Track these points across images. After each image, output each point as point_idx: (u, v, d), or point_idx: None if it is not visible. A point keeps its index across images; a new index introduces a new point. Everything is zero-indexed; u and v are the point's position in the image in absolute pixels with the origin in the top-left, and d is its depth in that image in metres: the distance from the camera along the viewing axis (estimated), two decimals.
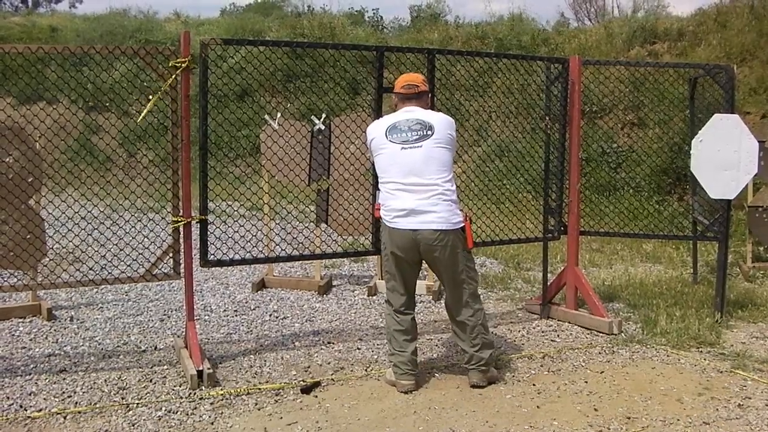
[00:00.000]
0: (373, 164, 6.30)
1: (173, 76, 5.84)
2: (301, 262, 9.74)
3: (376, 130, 5.71)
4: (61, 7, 40.45)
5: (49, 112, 6.36)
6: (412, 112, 5.66)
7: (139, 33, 21.37)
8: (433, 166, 5.51)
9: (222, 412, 5.15)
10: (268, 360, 6.27)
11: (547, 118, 7.38)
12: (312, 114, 8.38)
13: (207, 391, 5.51)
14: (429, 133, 5.54)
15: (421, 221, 5.44)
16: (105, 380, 5.75)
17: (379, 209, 5.71)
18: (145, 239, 6.72)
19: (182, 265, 6.14)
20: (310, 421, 5.02)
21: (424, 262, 5.75)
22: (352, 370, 6.03)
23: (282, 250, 7.34)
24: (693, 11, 17.83)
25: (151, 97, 5.91)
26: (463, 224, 5.56)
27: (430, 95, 6.04)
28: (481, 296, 6.05)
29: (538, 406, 5.27)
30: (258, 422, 5.00)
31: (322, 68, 14.71)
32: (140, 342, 6.79)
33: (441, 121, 5.63)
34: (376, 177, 6.63)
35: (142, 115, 6.01)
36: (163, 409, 5.19)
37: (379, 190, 5.77)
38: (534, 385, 5.70)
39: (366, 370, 6.05)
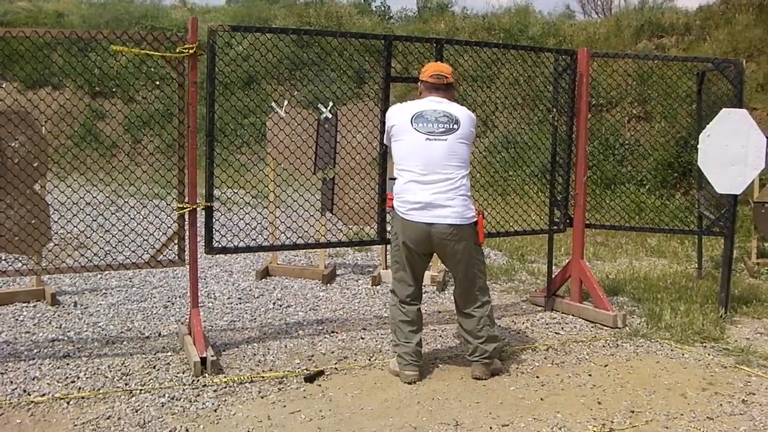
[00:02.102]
0: (381, 152, 6.29)
1: (181, 63, 5.83)
2: (305, 250, 9.73)
3: (400, 115, 5.62)
4: None
5: (55, 97, 6.38)
6: (440, 104, 5.60)
7: (145, 19, 21.38)
8: (454, 161, 5.48)
9: (225, 400, 5.14)
10: (271, 348, 6.27)
11: (555, 110, 7.36)
12: (318, 102, 8.36)
13: (210, 378, 5.51)
14: (455, 127, 5.50)
15: (437, 215, 5.42)
16: (108, 366, 5.75)
17: (392, 198, 5.67)
18: (150, 225, 6.72)
19: (187, 252, 6.13)
20: (314, 409, 5.02)
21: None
22: (355, 360, 6.03)
23: (287, 238, 7.34)
24: (699, 5, 17.80)
25: (158, 83, 5.90)
26: (475, 219, 5.55)
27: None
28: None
29: (541, 399, 5.26)
30: (261, 410, 5.00)
31: (329, 56, 14.69)
32: (144, 328, 6.79)
33: (466, 117, 5.59)
34: (382, 166, 6.62)
35: (120, 49, 5.99)
36: (167, 395, 5.19)
37: (392, 178, 5.72)
38: (538, 377, 5.69)
39: (370, 359, 6.04)
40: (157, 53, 5.90)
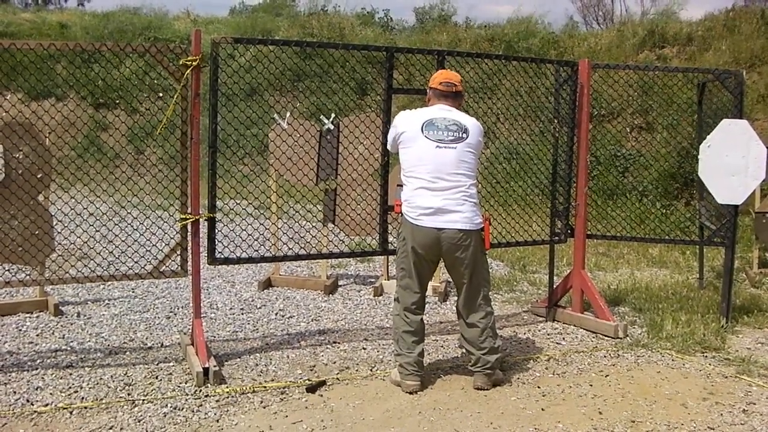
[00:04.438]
0: (382, 163, 6.32)
1: (185, 76, 5.86)
2: (307, 261, 9.73)
3: (409, 122, 5.66)
4: (71, 3, 40.58)
5: (58, 108, 6.41)
6: (450, 112, 5.65)
7: (148, 31, 21.42)
8: (463, 168, 5.53)
9: (227, 410, 5.16)
10: (273, 358, 6.28)
11: (556, 121, 7.38)
12: (320, 114, 8.40)
13: (213, 388, 5.53)
14: (464, 136, 5.55)
15: (447, 220, 5.45)
16: (111, 376, 5.77)
17: (400, 205, 5.69)
18: (153, 236, 6.74)
19: (189, 263, 6.15)
20: (315, 420, 5.03)
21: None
22: (357, 370, 6.05)
23: (289, 249, 7.36)
24: (703, 16, 17.83)
25: (161, 94, 5.93)
26: (483, 225, 5.58)
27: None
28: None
29: (542, 409, 5.28)
30: (263, 420, 5.02)
31: (332, 68, 14.73)
32: (146, 339, 6.81)
33: (474, 127, 5.65)
34: (384, 177, 6.64)
35: (162, 124, 6.03)
36: (169, 405, 5.21)
37: (400, 185, 5.75)
38: (539, 387, 5.70)
39: (371, 369, 6.06)
40: (176, 94, 5.93)
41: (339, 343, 6.77)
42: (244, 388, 5.57)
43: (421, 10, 23.90)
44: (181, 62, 5.86)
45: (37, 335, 6.83)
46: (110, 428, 4.85)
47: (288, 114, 8.25)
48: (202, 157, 6.00)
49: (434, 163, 5.50)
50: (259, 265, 9.39)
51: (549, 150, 7.55)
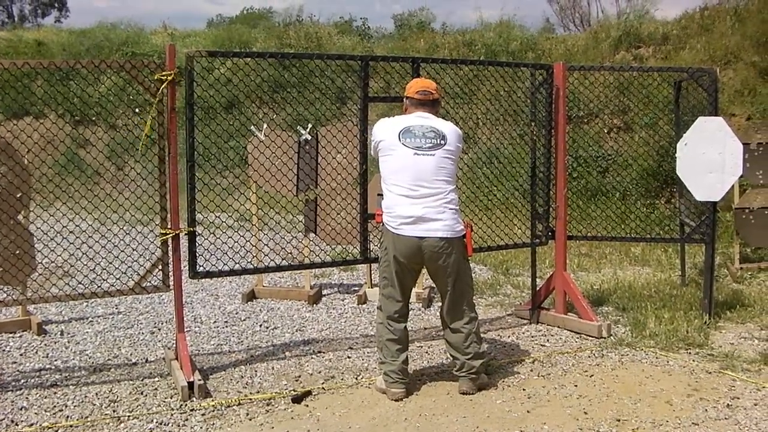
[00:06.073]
0: (361, 172, 6.33)
1: (160, 91, 5.85)
2: (290, 272, 9.75)
3: (387, 131, 5.67)
4: (47, 21, 40.43)
5: (36, 126, 6.39)
6: (427, 119, 5.67)
7: (125, 46, 21.33)
8: (442, 175, 5.53)
9: (213, 423, 5.15)
10: (258, 370, 6.27)
11: (533, 124, 7.42)
12: (299, 124, 8.40)
13: (198, 402, 5.51)
14: (442, 142, 5.56)
15: (428, 229, 5.45)
16: (96, 394, 5.74)
17: (381, 214, 5.70)
18: (134, 252, 6.73)
19: (171, 278, 6.14)
20: (302, 430, 5.03)
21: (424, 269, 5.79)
22: (342, 379, 6.04)
23: (271, 260, 7.34)
24: (678, 15, 17.94)
25: (138, 110, 5.92)
26: (464, 232, 5.59)
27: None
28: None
29: (528, 411, 5.29)
30: None
31: (309, 78, 14.73)
32: (131, 355, 6.78)
33: (452, 133, 5.67)
34: (363, 186, 6.65)
35: (142, 141, 6.02)
36: (155, 421, 5.19)
37: (380, 194, 5.75)
38: (524, 389, 5.72)
39: (356, 378, 6.06)
40: (151, 108, 5.92)
41: (324, 352, 6.77)
42: (230, 400, 5.56)
43: (399, 17, 23.94)
44: (155, 77, 5.85)
45: (21, 355, 6.80)
46: None
47: (265, 126, 8.26)
48: (182, 171, 6.00)
49: (413, 170, 5.50)
50: (242, 277, 9.38)
51: (528, 153, 7.57)
